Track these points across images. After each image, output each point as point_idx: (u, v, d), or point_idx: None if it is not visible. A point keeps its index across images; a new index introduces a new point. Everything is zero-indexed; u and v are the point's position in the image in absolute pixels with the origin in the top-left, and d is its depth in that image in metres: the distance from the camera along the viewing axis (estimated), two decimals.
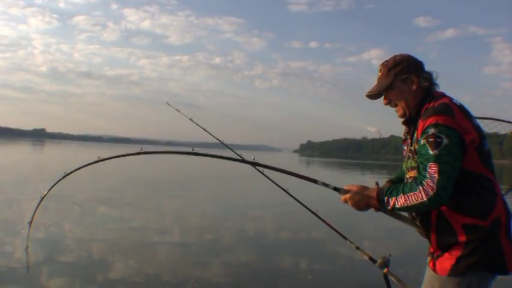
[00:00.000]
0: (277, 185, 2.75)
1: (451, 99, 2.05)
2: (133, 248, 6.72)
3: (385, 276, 2.40)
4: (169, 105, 3.11)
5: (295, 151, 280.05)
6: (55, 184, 2.32)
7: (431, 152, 1.88)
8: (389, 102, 2.20)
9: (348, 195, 2.10)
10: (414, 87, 2.12)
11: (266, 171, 2.36)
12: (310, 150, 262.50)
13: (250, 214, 11.13)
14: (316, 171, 38.73)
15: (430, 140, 1.89)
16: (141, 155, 2.21)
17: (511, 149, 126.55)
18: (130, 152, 2.27)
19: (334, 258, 6.77)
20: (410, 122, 2.15)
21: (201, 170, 27.54)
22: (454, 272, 1.94)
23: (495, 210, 1.93)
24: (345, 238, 2.64)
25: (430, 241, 2.09)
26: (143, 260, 6.04)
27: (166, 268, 5.73)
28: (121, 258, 6.12)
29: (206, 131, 3.08)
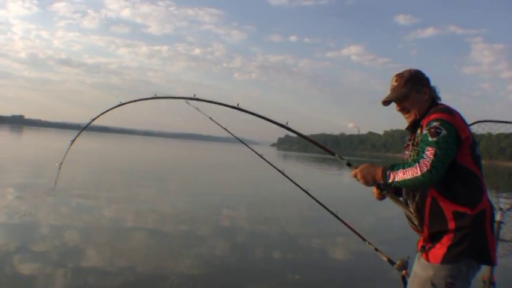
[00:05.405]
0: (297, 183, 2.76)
1: (451, 107, 2.37)
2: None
3: (403, 278, 2.49)
4: (188, 103, 2.96)
5: (273, 145, 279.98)
6: (87, 125, 3.34)
7: (430, 139, 2.15)
8: (402, 109, 2.48)
9: (357, 170, 2.35)
10: (426, 97, 2.43)
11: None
12: (288, 144, 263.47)
13: (266, 210, 11.17)
14: (293, 164, 38.81)
15: (432, 130, 2.17)
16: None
17: (487, 149, 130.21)
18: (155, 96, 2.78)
19: (352, 259, 6.74)
20: (415, 125, 2.43)
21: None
22: (446, 259, 2.18)
23: (481, 204, 2.20)
24: (364, 239, 2.70)
25: (422, 229, 2.31)
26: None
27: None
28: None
29: (227, 130, 3.10)
